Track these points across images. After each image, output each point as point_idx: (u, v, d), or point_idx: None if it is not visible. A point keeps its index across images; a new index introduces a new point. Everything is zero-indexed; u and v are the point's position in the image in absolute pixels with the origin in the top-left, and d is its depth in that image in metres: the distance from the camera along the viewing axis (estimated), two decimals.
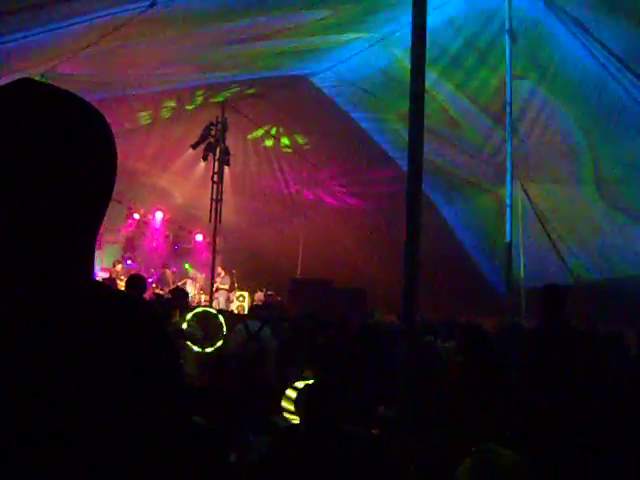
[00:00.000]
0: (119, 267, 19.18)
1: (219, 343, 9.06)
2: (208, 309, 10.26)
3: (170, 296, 11.05)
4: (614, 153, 13.01)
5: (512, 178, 11.54)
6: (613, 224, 14.18)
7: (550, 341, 6.20)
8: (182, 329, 8.71)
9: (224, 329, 9.24)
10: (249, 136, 17.84)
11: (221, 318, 9.39)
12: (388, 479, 3.80)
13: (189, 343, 8.68)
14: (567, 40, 11.33)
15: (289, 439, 3.97)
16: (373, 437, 5.24)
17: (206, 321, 9.39)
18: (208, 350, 8.89)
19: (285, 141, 17.88)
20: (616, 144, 12.80)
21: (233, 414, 7.08)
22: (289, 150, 18.02)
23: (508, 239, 11.21)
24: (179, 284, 18.71)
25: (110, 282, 14.02)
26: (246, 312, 15.43)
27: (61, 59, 10.00)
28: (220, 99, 15.69)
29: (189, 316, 9.00)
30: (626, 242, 14.25)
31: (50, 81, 10.02)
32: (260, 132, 17.67)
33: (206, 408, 6.04)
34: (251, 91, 15.46)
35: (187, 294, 12.66)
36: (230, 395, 7.97)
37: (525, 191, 14.69)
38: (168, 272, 20.71)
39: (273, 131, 17.63)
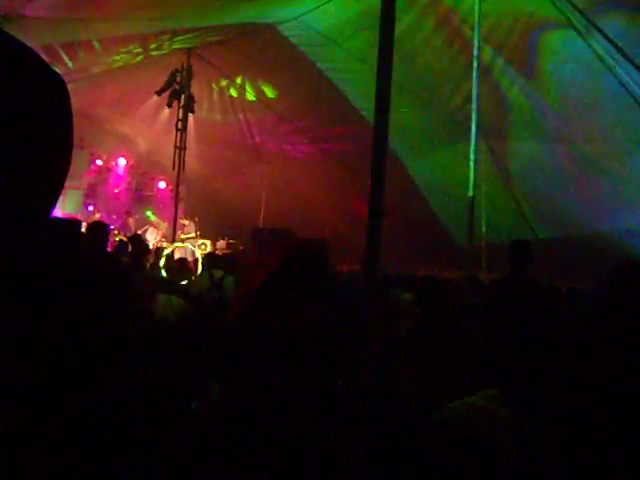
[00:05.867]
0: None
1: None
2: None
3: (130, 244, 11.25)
4: (582, 114, 13.11)
5: (477, 133, 11.54)
6: (576, 183, 14.34)
7: (513, 292, 6.35)
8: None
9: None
10: (214, 84, 17.64)
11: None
12: (348, 430, 3.86)
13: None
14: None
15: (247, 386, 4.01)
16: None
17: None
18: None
19: (250, 91, 17.70)
20: (584, 105, 12.91)
21: (193, 361, 7.11)
22: (254, 99, 17.86)
23: (471, 194, 11.25)
24: (139, 232, 18.54)
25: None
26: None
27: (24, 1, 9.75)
28: (186, 45, 15.46)
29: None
30: (588, 201, 14.43)
31: (13, 24, 9.82)
32: (225, 81, 17.47)
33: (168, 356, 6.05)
34: (217, 38, 15.24)
35: (143, 242, 12.86)
36: (190, 342, 8.00)
37: (489, 147, 14.74)
38: (131, 220, 20.58)
39: (239, 80, 17.44)
